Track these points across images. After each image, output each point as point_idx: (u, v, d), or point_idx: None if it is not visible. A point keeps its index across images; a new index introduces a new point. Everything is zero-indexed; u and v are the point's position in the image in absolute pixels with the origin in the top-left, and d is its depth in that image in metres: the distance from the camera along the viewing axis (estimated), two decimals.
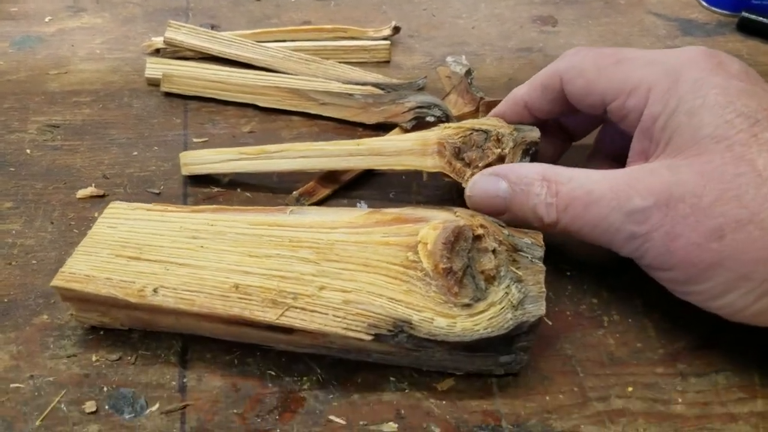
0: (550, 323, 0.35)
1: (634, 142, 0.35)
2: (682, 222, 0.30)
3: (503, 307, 0.31)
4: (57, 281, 0.32)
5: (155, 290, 0.31)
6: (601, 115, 0.40)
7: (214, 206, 0.36)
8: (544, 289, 0.32)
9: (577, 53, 0.38)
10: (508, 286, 0.31)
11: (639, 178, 0.32)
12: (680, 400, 0.32)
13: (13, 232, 0.39)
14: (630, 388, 0.33)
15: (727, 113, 0.31)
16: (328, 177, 0.43)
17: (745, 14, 0.61)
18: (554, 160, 0.43)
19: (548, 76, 0.39)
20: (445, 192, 0.44)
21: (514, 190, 0.35)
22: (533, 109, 0.40)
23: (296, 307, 0.31)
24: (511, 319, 0.30)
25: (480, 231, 0.33)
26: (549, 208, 0.34)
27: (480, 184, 0.36)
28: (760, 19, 0.61)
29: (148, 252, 0.33)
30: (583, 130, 0.44)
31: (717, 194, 0.30)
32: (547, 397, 0.32)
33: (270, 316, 0.31)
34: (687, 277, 0.31)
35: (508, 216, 0.36)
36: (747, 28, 0.61)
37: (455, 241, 0.32)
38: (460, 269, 0.31)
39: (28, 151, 0.45)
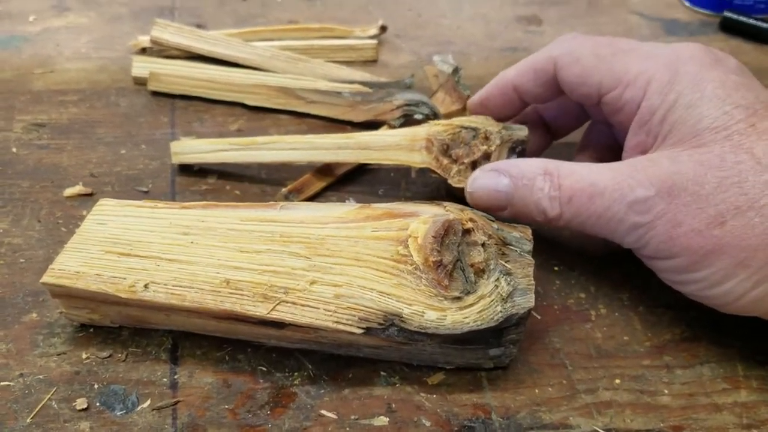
0: (538, 317, 0.36)
1: (629, 136, 0.36)
2: (684, 210, 0.31)
3: (493, 300, 0.31)
4: (47, 278, 0.32)
5: (146, 286, 0.31)
6: (591, 108, 0.40)
7: (204, 202, 0.36)
8: (533, 282, 0.32)
9: (573, 39, 0.38)
10: (497, 279, 0.32)
11: (640, 169, 0.33)
12: (666, 391, 0.33)
13: (0, 230, 0.39)
14: (617, 380, 0.33)
15: (725, 105, 0.32)
16: (320, 172, 0.43)
17: (727, 14, 0.62)
18: (535, 157, 0.44)
19: (542, 60, 0.39)
20: (433, 189, 0.44)
21: (516, 185, 0.35)
22: (522, 92, 0.40)
23: (287, 302, 0.31)
24: (500, 311, 0.31)
25: (469, 225, 0.33)
26: (552, 201, 0.34)
27: (481, 180, 0.37)
28: (742, 18, 0.62)
29: (139, 248, 0.33)
30: (566, 128, 0.44)
31: (718, 182, 0.31)
32: (536, 390, 0.33)
33: (261, 310, 0.31)
34: (688, 265, 0.32)
35: (510, 211, 0.36)
36: (729, 28, 0.62)
37: (445, 234, 0.32)
38: (450, 262, 0.32)
39: (14, 149, 0.45)
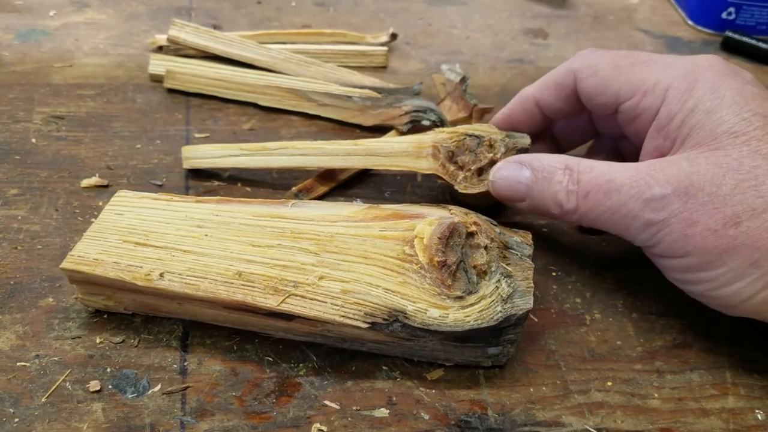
0: (535, 320, 0.37)
1: (647, 141, 0.37)
2: (700, 209, 0.32)
3: (493, 300, 0.32)
4: (66, 264, 0.33)
5: (161, 275, 0.33)
6: (603, 120, 0.41)
7: (218, 197, 0.38)
8: (532, 285, 0.33)
9: (592, 53, 0.40)
10: (498, 281, 0.33)
11: (659, 169, 0.34)
12: (656, 395, 0.34)
13: (19, 218, 0.41)
14: (609, 383, 0.34)
15: (744, 112, 0.33)
16: (326, 175, 0.45)
17: (729, 34, 0.64)
18: None
19: (562, 74, 0.40)
20: (438, 193, 0.45)
21: (536, 177, 0.37)
22: (544, 106, 0.42)
23: (296, 295, 0.32)
24: (500, 311, 0.32)
25: (473, 228, 0.34)
26: (570, 195, 0.35)
27: (503, 170, 0.38)
28: (743, 38, 0.63)
29: (155, 239, 0.35)
30: (573, 142, 0.46)
31: (735, 183, 0.32)
32: (531, 389, 0.34)
33: (271, 302, 0.32)
34: (700, 264, 0.33)
35: (529, 203, 0.37)
36: (731, 48, 0.64)
37: (450, 236, 0.34)
38: (454, 263, 0.33)
39: (34, 140, 0.46)
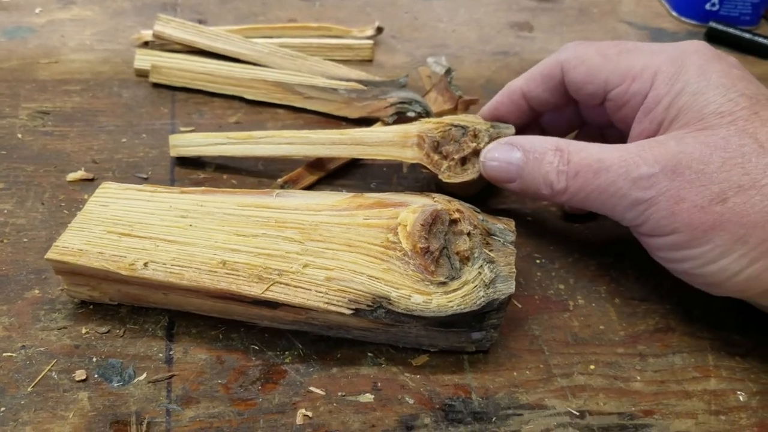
0: (519, 306, 0.38)
1: (634, 126, 0.38)
2: (687, 186, 0.32)
3: (476, 286, 0.33)
4: (51, 254, 0.33)
5: (146, 264, 0.33)
6: (590, 110, 0.42)
7: (203, 188, 0.38)
8: (514, 270, 0.34)
9: (578, 44, 0.40)
10: (481, 267, 0.33)
11: (647, 148, 0.34)
12: (639, 378, 0.34)
13: (5, 211, 0.41)
14: (592, 366, 0.35)
15: (730, 93, 0.34)
16: (312, 166, 0.45)
17: (713, 24, 0.64)
18: None
19: (549, 66, 0.41)
20: (423, 184, 0.46)
21: (527, 158, 0.37)
22: (531, 98, 0.42)
23: (281, 283, 0.32)
24: (483, 296, 0.32)
25: (456, 215, 0.35)
26: (560, 175, 0.36)
27: (494, 152, 0.39)
28: (727, 29, 0.64)
29: (139, 229, 0.35)
30: (560, 131, 0.46)
31: (722, 161, 0.32)
32: (515, 373, 0.34)
33: (256, 290, 0.32)
34: (687, 240, 0.33)
35: (519, 184, 0.38)
36: (714, 38, 0.64)
37: (433, 223, 0.34)
38: (437, 250, 0.33)
39: (20, 135, 0.47)
